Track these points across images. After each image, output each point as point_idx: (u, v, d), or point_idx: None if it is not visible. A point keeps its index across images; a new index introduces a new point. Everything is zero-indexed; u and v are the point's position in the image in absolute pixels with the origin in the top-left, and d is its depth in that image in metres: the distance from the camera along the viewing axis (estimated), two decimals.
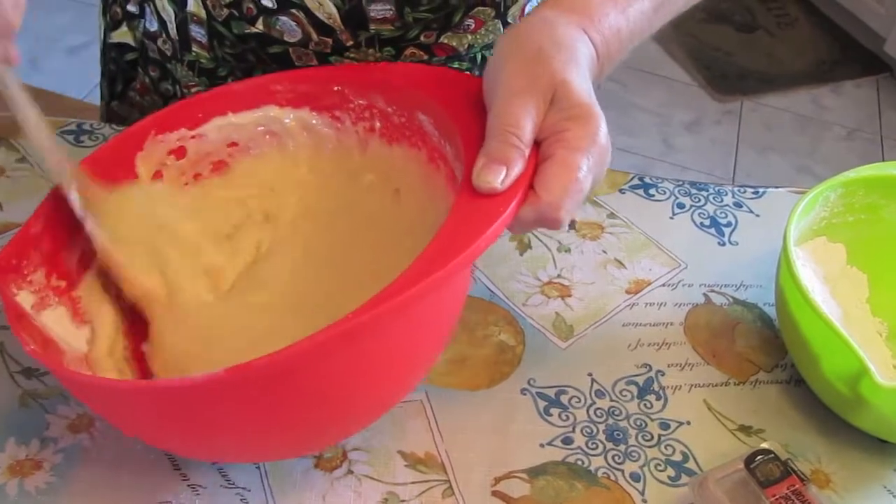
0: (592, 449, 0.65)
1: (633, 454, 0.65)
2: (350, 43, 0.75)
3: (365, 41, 0.75)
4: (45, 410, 0.62)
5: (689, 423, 0.67)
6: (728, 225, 0.82)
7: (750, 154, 2.18)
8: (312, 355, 0.46)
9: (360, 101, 0.66)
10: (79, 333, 0.60)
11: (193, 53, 0.81)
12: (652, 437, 0.66)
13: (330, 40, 0.75)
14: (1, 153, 0.79)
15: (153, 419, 0.52)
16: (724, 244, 0.80)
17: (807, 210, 0.70)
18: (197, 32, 0.80)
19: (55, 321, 0.58)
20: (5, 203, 0.75)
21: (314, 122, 0.67)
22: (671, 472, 0.64)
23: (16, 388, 0.63)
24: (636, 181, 0.85)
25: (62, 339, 0.58)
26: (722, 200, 0.84)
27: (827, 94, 2.38)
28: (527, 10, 0.79)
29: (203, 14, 0.77)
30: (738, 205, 0.84)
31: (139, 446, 0.61)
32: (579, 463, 0.64)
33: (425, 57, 0.78)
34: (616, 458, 0.64)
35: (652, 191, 0.84)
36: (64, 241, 0.59)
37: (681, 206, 0.83)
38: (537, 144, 0.54)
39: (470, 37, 0.78)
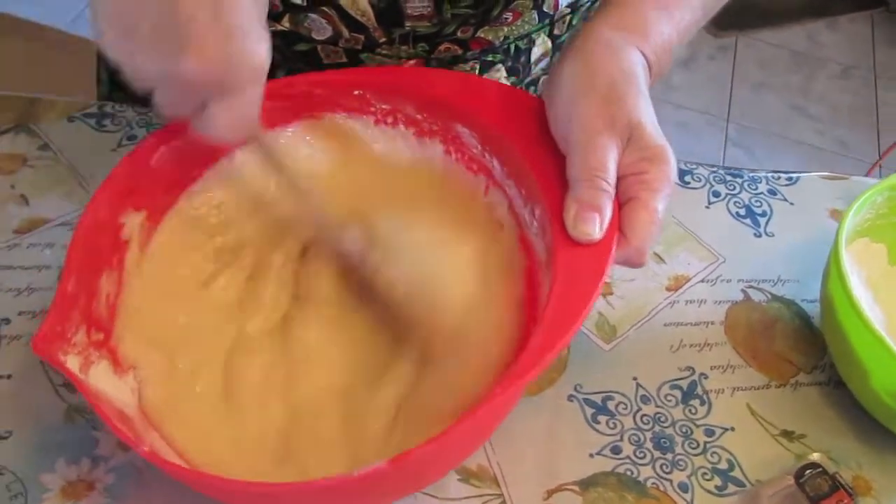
0: (640, 458, 0.65)
1: (681, 463, 0.65)
2: (383, 40, 0.73)
3: (399, 38, 0.72)
4: (93, 427, 0.61)
5: (732, 428, 0.68)
6: (763, 215, 0.81)
7: (745, 92, 2.17)
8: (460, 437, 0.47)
9: (384, 106, 0.64)
10: (122, 384, 0.57)
11: None
12: (698, 445, 0.66)
13: (362, 37, 0.72)
14: (22, 140, 0.76)
15: None
16: (760, 235, 0.80)
17: (855, 214, 0.69)
18: None
19: (99, 377, 0.55)
20: (31, 196, 0.72)
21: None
22: (718, 481, 0.65)
23: (61, 402, 0.62)
24: None
25: (111, 395, 0.55)
26: (756, 188, 0.83)
27: (822, 30, 2.36)
28: (560, 3, 0.77)
29: None
30: (773, 192, 0.83)
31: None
32: (629, 473, 0.64)
33: (460, 51, 0.75)
34: (664, 467, 0.65)
35: (687, 178, 0.83)
36: (94, 289, 0.56)
37: (716, 194, 0.82)
38: (616, 183, 0.53)
39: (506, 29, 0.75)
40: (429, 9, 0.70)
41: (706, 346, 0.72)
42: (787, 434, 0.68)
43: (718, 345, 0.72)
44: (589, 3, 0.82)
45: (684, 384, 0.70)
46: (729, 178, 0.84)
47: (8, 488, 0.58)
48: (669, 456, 0.65)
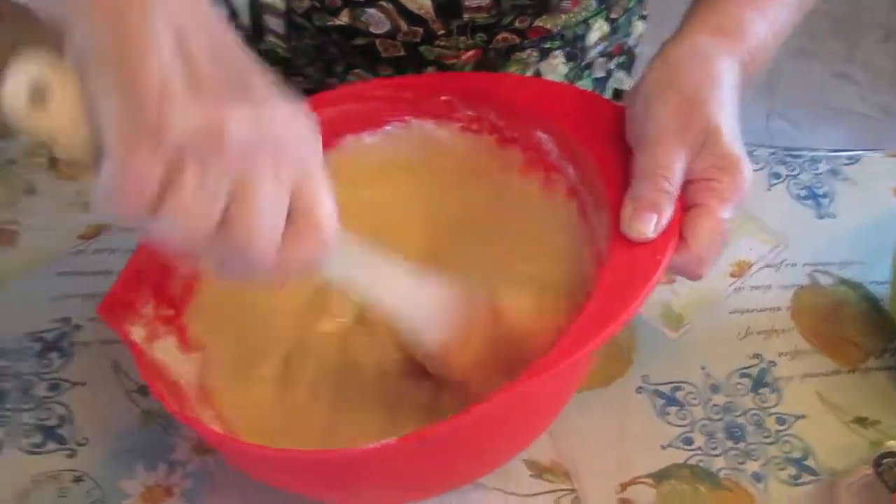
0: (713, 449, 0.65)
1: (754, 453, 0.65)
2: (441, 32, 0.72)
3: (457, 29, 0.72)
4: (168, 432, 0.62)
5: (804, 416, 0.67)
6: (825, 196, 0.80)
7: (785, 59, 2.13)
8: (487, 419, 0.46)
9: (469, 112, 0.63)
10: (186, 361, 0.58)
11: (268, 42, 0.77)
12: (770, 434, 0.66)
13: (420, 30, 0.72)
14: None
15: (310, 481, 0.51)
16: (822, 217, 0.79)
17: None
18: (273, 23, 0.76)
19: (164, 352, 0.57)
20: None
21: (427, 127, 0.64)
22: (792, 470, 0.64)
23: (135, 408, 0.63)
24: None
25: (172, 370, 0.56)
26: (817, 168, 0.82)
27: None
28: None
29: (280, 5, 0.74)
30: (834, 172, 0.82)
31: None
32: (701, 464, 0.64)
33: (518, 40, 0.75)
34: (737, 457, 0.64)
35: None
36: (168, 266, 0.57)
37: (776, 175, 0.81)
38: (683, 188, 0.52)
39: (564, 17, 0.74)
40: (487, 1, 0.69)
41: (773, 333, 0.71)
42: (861, 421, 0.67)
43: (786, 331, 0.71)
44: None
45: (754, 372, 0.69)
46: (788, 158, 0.83)
47: (89, 494, 0.59)
48: (742, 446, 0.65)
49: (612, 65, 0.86)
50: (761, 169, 0.81)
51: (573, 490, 0.62)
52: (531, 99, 0.61)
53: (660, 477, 0.63)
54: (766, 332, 0.71)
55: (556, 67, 0.80)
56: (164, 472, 0.60)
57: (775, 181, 0.80)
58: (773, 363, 0.69)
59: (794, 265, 0.75)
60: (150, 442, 0.61)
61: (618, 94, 0.89)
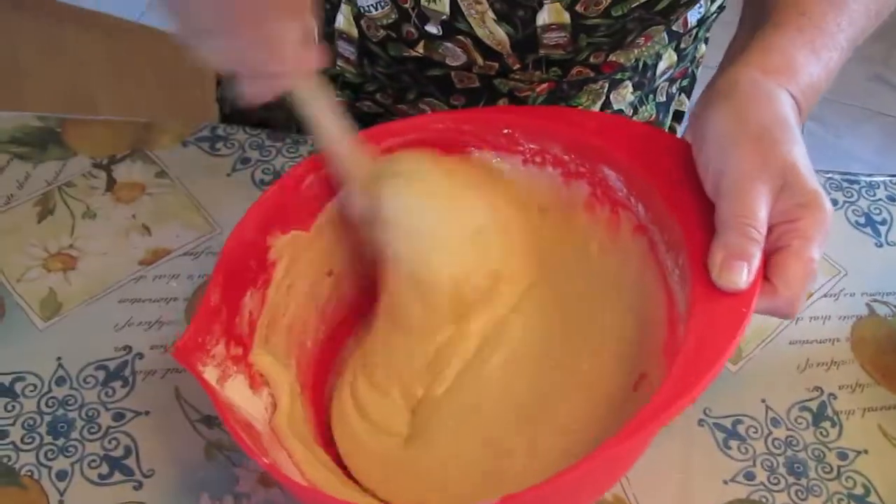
0: (774, 484, 0.64)
1: (816, 489, 0.64)
2: (517, 66, 0.72)
3: (532, 63, 0.72)
4: (233, 463, 0.62)
5: (866, 451, 0.67)
6: (884, 223, 0.79)
7: None
8: (585, 476, 0.46)
9: (532, 146, 0.63)
10: (257, 400, 0.58)
11: (338, 67, 0.77)
12: (832, 469, 0.66)
13: (496, 64, 0.72)
14: (139, 168, 0.76)
15: None
16: (881, 245, 0.78)
17: None
18: (345, 49, 0.76)
19: (235, 391, 0.56)
20: (152, 226, 0.73)
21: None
22: None
23: (199, 438, 0.63)
24: None
25: (244, 410, 0.56)
26: (874, 194, 0.81)
27: None
28: (689, 21, 0.75)
29: (355, 32, 0.74)
30: (892, 199, 0.81)
31: None
32: (763, 500, 0.64)
33: (591, 74, 0.75)
34: (799, 493, 0.64)
35: None
36: (237, 305, 0.57)
37: (834, 202, 0.80)
38: (767, 231, 0.51)
39: (637, 51, 0.74)
40: (565, 39, 0.69)
41: (833, 365, 0.71)
42: None
43: (845, 363, 0.71)
44: (715, 16, 0.80)
45: (814, 405, 0.69)
46: (846, 184, 0.82)
47: None
48: (804, 481, 0.65)
49: (674, 88, 0.86)
50: None
51: None
52: (594, 133, 0.61)
53: None
54: (825, 364, 0.71)
55: (625, 96, 0.80)
56: None
57: (833, 208, 0.80)
58: (833, 396, 0.69)
59: (852, 295, 0.75)
60: (215, 474, 0.61)
61: (678, 115, 0.90)
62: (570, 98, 0.78)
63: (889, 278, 0.76)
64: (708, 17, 0.79)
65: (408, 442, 0.60)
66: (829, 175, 0.83)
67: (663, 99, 0.85)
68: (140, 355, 0.66)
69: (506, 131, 0.63)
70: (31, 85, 1.41)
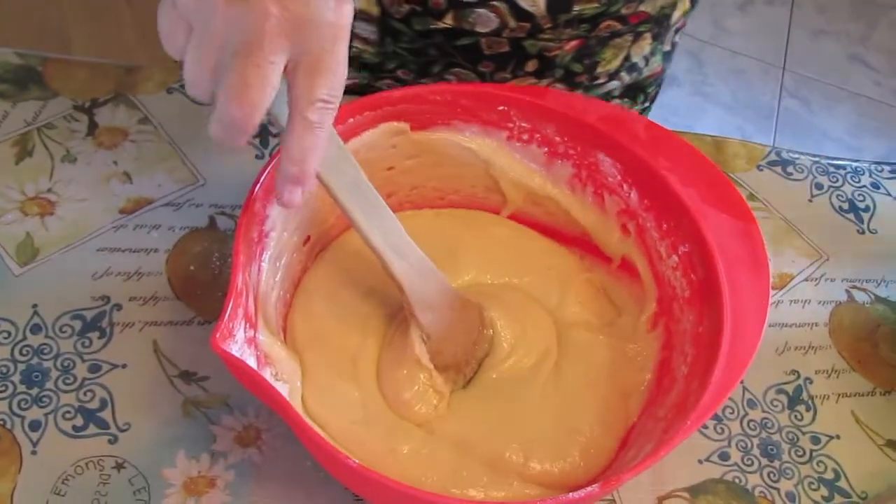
0: (748, 465, 0.65)
1: (788, 471, 0.65)
2: (548, 26, 0.71)
3: (564, 22, 0.71)
4: (210, 421, 0.61)
5: (838, 437, 0.68)
6: (866, 210, 0.80)
7: (802, 38, 2.12)
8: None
9: (524, 124, 0.63)
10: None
11: (354, 49, 0.75)
12: (804, 453, 0.66)
13: (528, 25, 0.71)
14: (122, 112, 0.74)
15: None
16: (863, 232, 0.79)
17: None
18: (364, 29, 0.74)
19: None
20: (134, 174, 0.71)
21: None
22: (824, 491, 0.65)
23: (177, 394, 0.62)
24: (774, 156, 0.82)
25: None
26: (859, 181, 0.82)
27: None
28: None
29: (375, 11, 0.72)
30: (876, 186, 0.82)
31: (309, 462, 0.60)
32: (737, 481, 0.64)
33: (619, 27, 0.75)
34: (771, 475, 0.65)
35: (790, 168, 0.81)
36: (247, 283, 0.55)
37: (819, 186, 0.81)
38: None
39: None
40: None
41: (811, 349, 0.71)
42: (893, 444, 0.68)
43: (823, 348, 0.72)
44: None
45: (790, 389, 0.69)
46: (832, 168, 0.82)
47: (131, 482, 0.58)
48: (776, 464, 0.65)
49: (677, 37, 0.87)
50: (804, 178, 0.81)
51: (612, 501, 0.62)
52: (601, 121, 0.62)
53: (696, 491, 0.63)
54: (803, 349, 0.71)
55: (643, 48, 0.80)
56: (207, 464, 0.60)
57: (818, 192, 0.80)
58: (809, 380, 0.70)
59: (832, 280, 0.75)
60: (192, 431, 0.61)
61: (666, 55, 0.90)
62: (595, 54, 0.77)
63: (869, 266, 0.76)
64: None
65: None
66: (816, 159, 0.83)
67: (669, 48, 0.86)
68: (118, 306, 0.65)
69: (501, 108, 0.63)
70: (2, 17, 1.37)
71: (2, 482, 0.57)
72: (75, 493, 0.57)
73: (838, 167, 0.82)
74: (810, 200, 0.80)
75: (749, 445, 0.66)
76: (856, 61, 2.11)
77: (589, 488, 0.48)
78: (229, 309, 0.49)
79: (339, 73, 0.46)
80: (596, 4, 0.71)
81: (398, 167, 0.65)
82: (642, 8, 0.74)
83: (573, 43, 0.75)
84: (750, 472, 0.65)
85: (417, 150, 0.65)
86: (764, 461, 0.65)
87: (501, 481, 0.57)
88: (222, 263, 0.67)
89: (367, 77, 0.80)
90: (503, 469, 0.57)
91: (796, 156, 0.82)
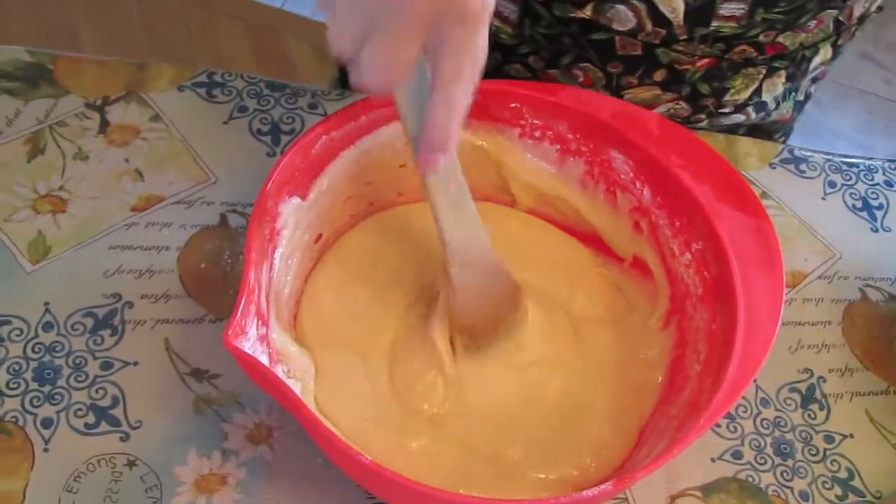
0: (761, 464, 0.65)
1: (801, 470, 0.65)
2: (683, 37, 0.71)
3: (699, 36, 0.71)
4: (221, 419, 0.61)
5: (852, 436, 0.67)
6: (880, 208, 0.79)
7: None
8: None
9: (536, 121, 0.63)
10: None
11: (492, 27, 0.75)
12: (818, 452, 0.66)
13: (663, 32, 0.71)
14: (133, 110, 0.74)
15: None
16: (876, 230, 0.78)
17: None
18: (505, 7, 0.74)
19: None
20: (145, 171, 0.71)
21: None
22: (838, 490, 0.65)
23: (188, 392, 0.62)
24: (786, 154, 0.82)
25: None
26: (872, 178, 0.81)
27: None
28: (854, 12, 0.75)
29: None
30: (889, 184, 0.81)
31: (320, 459, 0.60)
32: (750, 479, 0.64)
33: (754, 55, 0.74)
34: (785, 474, 0.65)
35: (803, 166, 0.81)
36: (260, 281, 0.55)
37: (832, 184, 0.80)
38: None
39: (804, 35, 0.74)
40: (742, 10, 0.69)
41: (824, 348, 0.71)
42: None
43: (836, 346, 0.71)
44: (874, 14, 0.80)
45: (803, 387, 0.69)
46: (845, 167, 0.82)
47: (142, 480, 0.58)
48: (790, 462, 0.65)
49: (812, 88, 0.87)
50: (817, 176, 0.80)
51: (625, 499, 0.62)
52: (613, 118, 0.62)
53: (708, 490, 0.63)
54: (816, 347, 0.71)
55: (776, 87, 0.80)
56: (219, 461, 0.60)
57: (831, 190, 0.80)
58: (822, 379, 0.69)
59: (846, 278, 0.75)
60: (204, 429, 0.61)
61: (799, 105, 0.90)
62: (726, 79, 0.77)
63: (883, 264, 0.76)
64: (868, 15, 0.79)
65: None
66: (829, 157, 0.82)
67: (802, 98, 0.85)
68: (130, 304, 0.65)
69: (514, 105, 0.63)
70: (12, 15, 1.37)
71: (14, 479, 0.57)
72: (87, 490, 0.57)
73: (851, 165, 0.82)
74: (823, 198, 0.79)
75: (762, 444, 0.66)
76: (866, 60, 2.11)
77: (602, 486, 0.48)
78: (241, 306, 0.49)
79: (479, 59, 0.48)
80: (734, 24, 0.70)
81: (410, 164, 0.65)
82: (780, 39, 0.73)
83: (705, 61, 0.75)
84: (763, 471, 0.64)
85: None
86: (777, 460, 0.65)
87: (511, 479, 0.56)
88: (234, 261, 0.67)
89: (498, 59, 0.80)
90: (513, 467, 0.57)
91: (809, 154, 0.82)
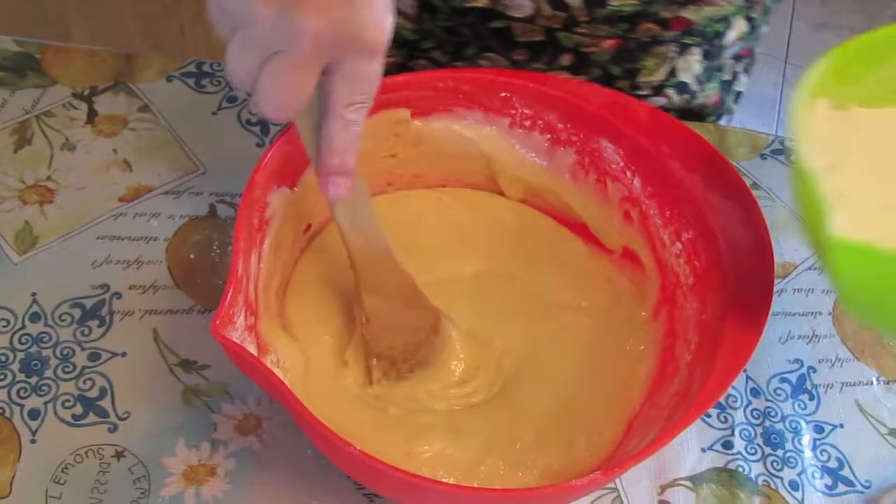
0: (751, 454, 0.65)
1: (791, 460, 0.65)
2: (584, 19, 0.70)
3: (601, 17, 0.70)
4: (210, 409, 0.61)
5: (842, 426, 0.67)
6: None
7: (804, 30, 2.11)
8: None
9: (526, 111, 0.62)
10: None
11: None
12: (808, 442, 0.66)
13: (563, 15, 0.70)
14: (121, 100, 0.74)
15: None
16: None
17: None
18: (402, 2, 0.74)
19: None
20: (134, 162, 0.71)
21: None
22: (828, 480, 0.65)
23: (177, 383, 0.62)
24: (777, 145, 0.81)
25: None
26: None
27: None
28: None
29: None
30: None
31: (309, 450, 0.60)
32: (740, 469, 0.64)
33: (661, 32, 0.73)
34: (775, 464, 0.65)
35: (793, 157, 0.81)
36: (248, 271, 0.55)
37: None
38: None
39: (709, 9, 0.73)
40: None
41: (814, 338, 0.71)
42: None
43: (826, 337, 0.71)
44: None
45: (793, 378, 0.69)
46: None
47: (131, 471, 0.58)
48: (780, 452, 0.65)
49: (739, 67, 0.85)
50: None
51: (615, 489, 0.62)
52: (604, 108, 0.61)
53: (699, 481, 0.63)
54: (806, 338, 0.71)
55: (692, 65, 0.79)
56: (207, 452, 0.59)
57: None
58: (812, 369, 0.69)
59: None
60: (192, 420, 0.60)
61: (738, 95, 0.89)
62: (636, 59, 0.76)
63: None
64: None
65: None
66: None
67: (729, 77, 0.84)
68: (118, 294, 0.64)
69: (503, 94, 0.63)
70: (1, 4, 1.37)
71: (1, 471, 0.56)
72: (75, 481, 0.57)
73: None
74: None
75: (752, 434, 0.66)
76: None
77: (592, 475, 0.48)
78: (229, 295, 0.48)
79: (374, 82, 0.47)
80: (634, 2, 0.70)
81: (400, 155, 0.65)
82: (684, 14, 0.73)
83: (611, 42, 0.74)
84: (753, 461, 0.64)
85: (418, 139, 0.64)
86: (767, 450, 0.65)
87: (500, 468, 0.56)
88: (222, 252, 0.67)
89: (402, 56, 0.80)
90: (503, 457, 0.57)
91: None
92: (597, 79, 0.77)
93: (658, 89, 0.80)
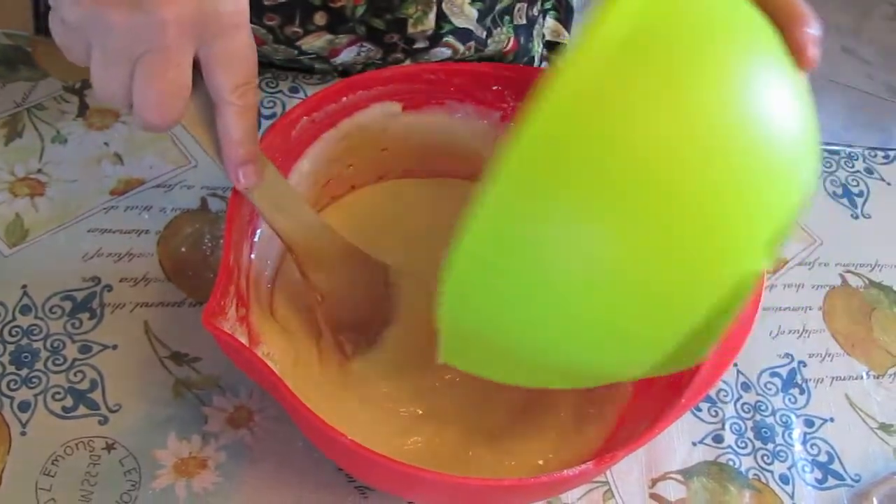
0: (742, 448, 0.65)
1: (781, 454, 0.65)
2: None
3: None
4: (202, 402, 0.61)
5: (832, 420, 0.68)
6: (860, 195, 0.80)
7: None
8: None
9: (518, 104, 0.62)
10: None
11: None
12: (798, 436, 0.66)
13: None
14: None
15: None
16: (857, 217, 0.78)
17: None
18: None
19: None
20: (125, 155, 0.70)
21: None
22: (818, 474, 0.65)
23: (168, 375, 0.61)
24: None
25: None
26: (853, 166, 0.82)
27: None
28: None
29: None
30: (869, 171, 0.82)
31: (300, 443, 0.60)
32: (730, 463, 0.64)
33: None
34: (765, 457, 0.65)
35: None
36: (240, 262, 0.55)
37: None
38: None
39: None
40: None
41: (805, 333, 0.71)
42: (886, 427, 0.68)
43: (817, 332, 0.72)
44: None
45: (784, 372, 0.69)
46: (826, 154, 0.82)
47: (121, 463, 0.58)
48: (770, 446, 0.65)
49: (534, 11, 0.80)
50: None
51: (606, 483, 0.62)
52: None
53: (689, 474, 0.63)
54: (797, 332, 0.71)
55: (463, 8, 0.73)
56: (198, 445, 0.59)
57: None
58: (803, 363, 0.70)
59: (826, 265, 0.75)
60: (183, 412, 0.60)
61: (551, 45, 0.84)
62: (395, 8, 0.71)
63: (863, 250, 0.76)
64: None
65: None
66: None
67: (522, 21, 0.80)
68: (109, 287, 0.64)
69: (495, 88, 0.62)
70: None
71: None
72: (65, 473, 0.57)
73: (832, 153, 0.82)
74: None
75: (743, 428, 0.66)
76: (847, 54, 2.11)
77: (583, 465, 0.48)
78: (221, 286, 0.48)
79: (250, 58, 0.46)
80: None
81: (391, 148, 0.65)
82: None
83: None
84: (744, 455, 0.65)
85: (409, 133, 0.64)
86: (758, 444, 0.65)
87: (489, 458, 0.56)
88: (214, 245, 0.67)
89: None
90: (493, 447, 0.57)
91: None
92: (365, 36, 0.73)
93: (436, 39, 0.74)
